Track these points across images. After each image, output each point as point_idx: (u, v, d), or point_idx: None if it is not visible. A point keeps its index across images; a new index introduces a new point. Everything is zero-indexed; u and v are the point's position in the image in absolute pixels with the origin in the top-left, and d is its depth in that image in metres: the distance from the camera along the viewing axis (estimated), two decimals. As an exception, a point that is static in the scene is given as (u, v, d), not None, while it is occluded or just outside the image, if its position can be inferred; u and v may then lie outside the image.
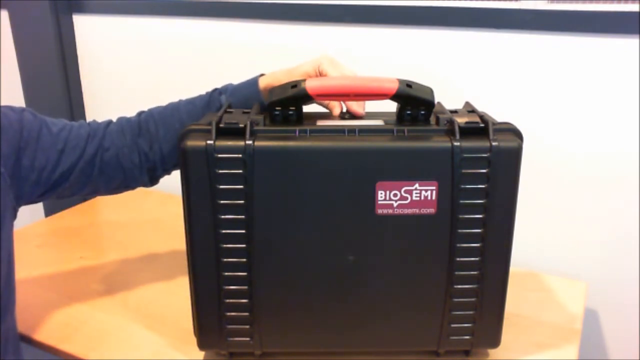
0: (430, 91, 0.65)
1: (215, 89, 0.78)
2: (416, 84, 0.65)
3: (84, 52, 1.42)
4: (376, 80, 0.64)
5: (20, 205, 0.71)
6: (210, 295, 0.66)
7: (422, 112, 0.66)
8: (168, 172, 0.79)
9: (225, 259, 0.64)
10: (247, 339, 0.68)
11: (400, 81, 0.64)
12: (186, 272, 0.66)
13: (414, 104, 0.65)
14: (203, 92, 0.79)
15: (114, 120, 0.77)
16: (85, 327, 0.79)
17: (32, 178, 0.69)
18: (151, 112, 0.77)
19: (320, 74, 0.72)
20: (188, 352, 0.73)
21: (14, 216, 0.70)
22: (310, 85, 0.63)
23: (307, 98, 0.64)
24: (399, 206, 0.62)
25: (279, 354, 0.71)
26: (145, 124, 0.76)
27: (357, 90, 0.64)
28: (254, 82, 0.76)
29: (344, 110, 0.73)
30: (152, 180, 0.79)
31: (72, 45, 1.41)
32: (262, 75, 0.77)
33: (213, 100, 0.76)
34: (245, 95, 0.76)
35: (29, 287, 0.89)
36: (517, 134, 0.63)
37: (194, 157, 0.61)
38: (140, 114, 0.78)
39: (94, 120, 0.77)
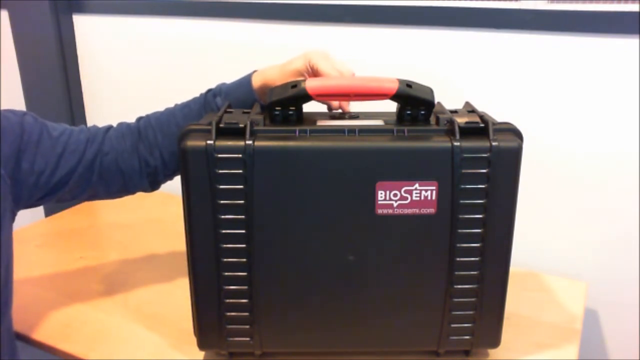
0: (430, 91, 0.65)
1: (209, 90, 0.78)
2: (416, 84, 0.65)
3: (84, 52, 1.42)
4: (376, 80, 0.64)
5: (19, 209, 0.71)
6: (210, 295, 0.66)
7: (422, 112, 0.66)
8: (170, 177, 0.79)
9: (225, 259, 0.64)
10: (247, 339, 0.68)
11: (400, 81, 0.64)
12: (186, 272, 0.66)
13: (414, 104, 0.65)
14: (202, 92, 0.79)
15: (115, 125, 0.78)
16: (85, 327, 0.79)
17: (31, 181, 0.69)
18: (149, 118, 0.77)
19: (311, 69, 0.72)
20: (188, 352, 0.73)
21: (13, 219, 0.70)
22: (310, 85, 0.63)
23: (307, 98, 0.64)
24: (399, 206, 0.62)
25: (279, 354, 0.71)
26: (144, 130, 0.75)
27: (357, 90, 0.64)
28: (247, 81, 0.76)
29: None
30: (153, 186, 0.79)
31: (72, 45, 1.41)
32: (254, 71, 0.77)
33: (208, 102, 0.76)
34: (239, 96, 0.76)
35: (28, 287, 0.89)
36: (517, 134, 0.63)
37: (194, 157, 0.61)
38: (139, 119, 0.78)
39: (94, 125, 0.77)
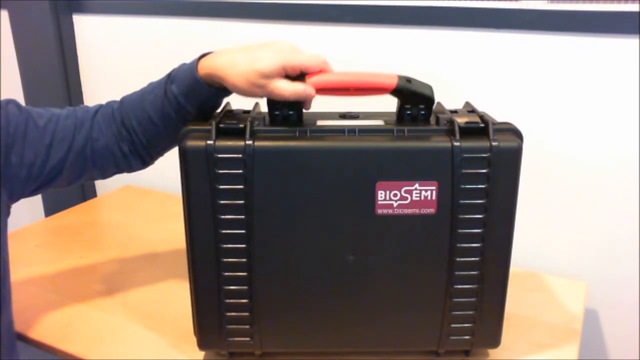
0: (430, 88, 0.65)
1: (171, 73, 0.72)
2: (416, 80, 0.65)
3: (84, 52, 1.42)
4: (376, 75, 0.65)
5: (13, 202, 0.70)
6: (210, 295, 0.66)
7: (422, 111, 0.66)
8: (160, 154, 0.77)
9: (225, 259, 0.64)
10: (247, 339, 0.68)
11: (400, 77, 0.64)
12: (186, 272, 0.66)
13: (414, 100, 0.65)
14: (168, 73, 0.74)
15: (104, 104, 0.75)
16: (84, 327, 0.79)
17: (22, 174, 0.68)
18: (123, 102, 0.75)
19: (290, 70, 0.65)
20: (188, 352, 0.73)
21: (7, 213, 0.70)
22: (311, 81, 0.64)
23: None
24: (399, 206, 0.62)
25: (279, 354, 0.71)
26: (119, 115, 0.73)
27: (357, 84, 0.65)
28: (193, 67, 0.69)
29: None
30: (146, 163, 0.77)
31: (72, 45, 1.41)
32: (203, 55, 0.70)
33: (168, 90, 0.70)
34: (188, 85, 0.68)
35: (28, 287, 0.89)
36: (517, 134, 0.63)
37: (194, 157, 0.61)
38: (117, 102, 0.75)
39: (82, 107, 0.75)
